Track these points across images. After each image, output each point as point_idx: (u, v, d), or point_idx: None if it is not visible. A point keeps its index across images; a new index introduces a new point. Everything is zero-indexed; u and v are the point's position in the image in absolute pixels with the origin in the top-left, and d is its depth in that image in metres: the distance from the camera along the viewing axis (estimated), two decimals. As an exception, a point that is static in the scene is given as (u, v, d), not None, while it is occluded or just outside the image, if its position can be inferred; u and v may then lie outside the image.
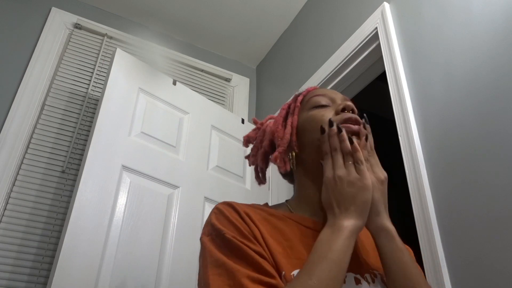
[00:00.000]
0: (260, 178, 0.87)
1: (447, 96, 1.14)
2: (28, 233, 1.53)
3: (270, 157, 0.83)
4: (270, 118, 0.88)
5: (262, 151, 0.83)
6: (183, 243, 1.53)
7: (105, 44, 2.06)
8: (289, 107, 0.83)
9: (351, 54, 1.62)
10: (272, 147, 0.82)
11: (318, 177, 0.69)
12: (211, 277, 0.57)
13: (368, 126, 0.72)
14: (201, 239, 0.65)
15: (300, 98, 0.82)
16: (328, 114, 0.73)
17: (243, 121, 2.07)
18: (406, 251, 0.63)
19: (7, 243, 1.48)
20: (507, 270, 0.87)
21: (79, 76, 1.92)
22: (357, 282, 0.63)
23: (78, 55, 1.97)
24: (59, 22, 2.01)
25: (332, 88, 1.76)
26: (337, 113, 0.72)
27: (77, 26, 2.04)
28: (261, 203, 0.77)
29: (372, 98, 2.66)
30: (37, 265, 1.49)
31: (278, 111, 0.86)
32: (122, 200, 1.43)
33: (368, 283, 0.64)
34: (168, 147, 1.68)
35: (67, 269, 1.21)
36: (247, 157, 0.90)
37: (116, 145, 1.49)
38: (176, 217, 1.56)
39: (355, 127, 0.70)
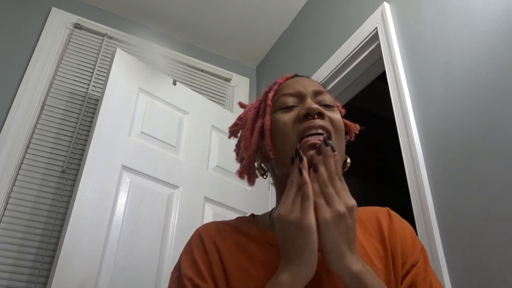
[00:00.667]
0: (250, 179, 0.79)
1: (447, 96, 1.14)
2: (28, 233, 1.53)
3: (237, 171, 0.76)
4: (252, 107, 0.78)
5: (242, 150, 0.75)
6: (183, 243, 1.51)
7: (105, 44, 2.06)
8: (260, 104, 0.73)
9: (351, 54, 1.62)
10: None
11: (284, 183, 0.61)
12: None
13: (330, 148, 0.59)
14: (172, 271, 0.67)
15: (270, 95, 0.72)
16: (289, 121, 0.65)
17: (243, 121, 2.07)
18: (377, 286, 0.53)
19: (7, 243, 1.48)
20: (507, 270, 0.87)
21: (79, 76, 1.92)
22: None
23: (78, 55, 1.97)
24: (59, 22, 2.01)
25: (332, 88, 1.76)
26: (299, 119, 0.65)
27: (77, 26, 2.04)
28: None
29: (372, 98, 2.66)
30: (37, 265, 1.49)
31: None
32: (122, 200, 1.43)
33: None
34: (168, 147, 1.68)
35: (67, 269, 1.21)
36: (235, 150, 0.84)
37: (116, 145, 1.49)
38: (176, 217, 1.56)
39: (315, 140, 0.61)
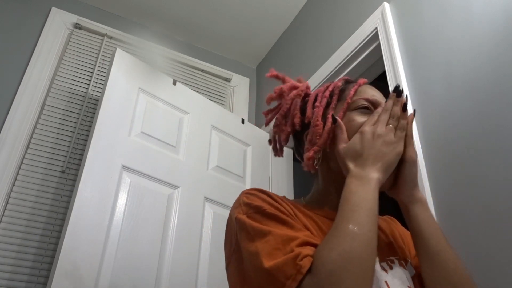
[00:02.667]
0: (277, 150, 0.86)
1: (447, 96, 1.14)
2: (28, 233, 1.53)
3: (300, 150, 0.80)
4: (293, 89, 0.86)
5: (287, 130, 0.80)
6: (183, 243, 1.53)
7: (105, 44, 2.06)
8: (331, 96, 0.77)
9: (351, 54, 1.62)
10: (300, 130, 0.78)
11: (342, 177, 0.66)
12: (258, 245, 0.57)
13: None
14: (236, 218, 0.66)
15: (352, 93, 0.75)
16: (359, 119, 0.72)
17: (243, 121, 2.07)
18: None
19: (7, 243, 1.48)
20: (507, 269, 0.87)
21: (79, 76, 1.92)
22: (401, 265, 0.66)
23: (78, 55, 1.97)
24: (59, 22, 2.01)
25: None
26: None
27: (77, 26, 2.04)
28: None
29: (372, 98, 2.66)
30: (37, 265, 1.49)
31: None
32: (122, 200, 1.43)
33: (386, 271, 0.64)
34: (168, 147, 1.68)
35: (67, 269, 1.21)
36: (265, 112, 0.87)
37: (116, 145, 1.49)
38: (176, 217, 1.56)
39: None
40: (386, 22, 1.44)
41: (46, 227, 1.56)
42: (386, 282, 0.62)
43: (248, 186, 1.90)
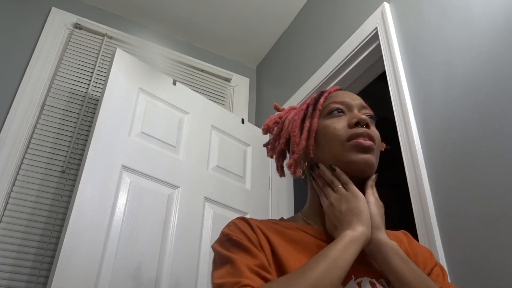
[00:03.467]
0: (279, 171, 0.89)
1: (447, 96, 1.14)
2: (28, 233, 1.53)
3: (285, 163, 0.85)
4: (292, 109, 0.89)
5: (278, 148, 0.85)
6: (183, 243, 1.53)
7: (105, 44, 2.06)
8: (307, 108, 0.82)
9: (351, 54, 1.62)
10: (288, 145, 0.83)
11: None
12: (218, 272, 0.62)
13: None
14: (212, 247, 0.69)
15: (321, 100, 0.80)
16: (340, 126, 0.74)
17: (243, 121, 2.07)
18: (413, 264, 0.64)
19: (7, 243, 1.48)
20: (507, 270, 0.87)
21: (79, 76, 1.92)
22: (373, 285, 0.65)
23: (78, 55, 1.97)
24: (59, 22, 2.01)
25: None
26: (350, 126, 0.73)
27: (77, 26, 2.04)
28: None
29: (372, 98, 2.66)
30: (37, 265, 1.49)
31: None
32: (122, 200, 1.43)
33: (383, 286, 0.65)
34: (168, 147, 1.68)
35: (67, 269, 1.21)
36: (265, 145, 0.92)
37: (116, 145, 1.49)
38: (176, 217, 1.56)
39: (367, 143, 0.71)
40: (386, 22, 1.44)
41: (46, 227, 1.56)
42: None
43: (248, 186, 1.90)
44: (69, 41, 1.99)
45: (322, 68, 1.80)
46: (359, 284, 0.64)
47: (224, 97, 2.35)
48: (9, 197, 1.55)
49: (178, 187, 1.62)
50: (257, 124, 2.29)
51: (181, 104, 1.81)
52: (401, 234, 0.82)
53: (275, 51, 2.43)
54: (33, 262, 1.49)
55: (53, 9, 2.03)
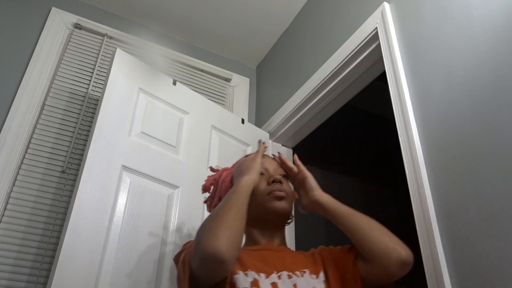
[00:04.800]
0: None
1: (447, 96, 1.14)
2: (28, 233, 1.53)
3: None
4: (225, 170, 1.19)
5: (214, 205, 1.15)
6: (183, 243, 1.52)
7: (105, 44, 2.06)
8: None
9: (351, 54, 1.62)
10: None
11: (259, 222, 1.03)
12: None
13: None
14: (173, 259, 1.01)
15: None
16: (262, 184, 1.04)
17: (243, 121, 2.07)
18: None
19: (7, 243, 1.48)
20: (507, 270, 0.87)
21: (79, 76, 1.92)
22: (290, 277, 0.89)
23: (78, 55, 1.97)
24: (59, 22, 2.01)
25: (332, 88, 1.77)
26: (268, 184, 1.04)
27: (77, 26, 2.04)
28: None
29: (372, 98, 2.66)
30: (37, 265, 1.49)
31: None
32: (122, 200, 1.43)
33: (298, 276, 0.89)
34: (168, 147, 1.68)
35: (67, 269, 1.21)
36: (205, 202, 1.22)
37: (116, 145, 1.49)
38: (176, 217, 1.56)
39: (281, 193, 1.02)
40: (386, 22, 1.44)
41: (46, 227, 1.56)
42: (295, 285, 0.87)
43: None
44: (69, 41, 1.99)
45: (322, 68, 1.80)
46: (279, 276, 0.88)
47: (224, 97, 2.35)
48: (9, 197, 1.55)
49: (178, 187, 1.62)
50: (257, 124, 2.29)
51: (181, 104, 1.81)
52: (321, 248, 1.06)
53: (275, 51, 2.43)
54: (33, 262, 1.49)
55: (53, 9, 2.03)
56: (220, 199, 1.11)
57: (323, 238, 2.45)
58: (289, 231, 2.02)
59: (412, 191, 1.15)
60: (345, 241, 0.98)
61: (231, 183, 1.11)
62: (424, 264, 1.05)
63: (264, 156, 1.15)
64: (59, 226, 1.56)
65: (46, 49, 1.90)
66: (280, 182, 1.04)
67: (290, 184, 1.11)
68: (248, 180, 0.98)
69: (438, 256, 1.01)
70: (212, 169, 1.25)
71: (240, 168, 1.06)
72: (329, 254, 0.98)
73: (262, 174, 1.06)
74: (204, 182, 1.21)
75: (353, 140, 2.92)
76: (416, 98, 1.24)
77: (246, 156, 1.15)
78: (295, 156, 1.13)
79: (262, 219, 1.02)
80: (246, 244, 1.05)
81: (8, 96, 1.72)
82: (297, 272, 0.91)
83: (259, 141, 1.02)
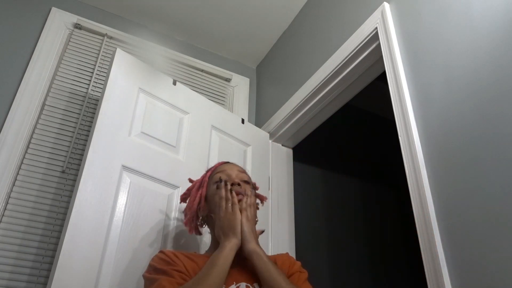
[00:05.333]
0: (195, 231, 1.31)
1: (447, 96, 1.14)
2: (28, 233, 1.53)
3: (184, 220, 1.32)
4: (197, 181, 1.30)
5: (189, 216, 1.27)
6: (183, 243, 1.53)
7: (105, 44, 2.06)
8: (202, 180, 1.28)
9: (351, 54, 1.62)
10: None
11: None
12: None
13: (252, 191, 1.19)
14: (143, 276, 1.05)
15: (208, 173, 1.28)
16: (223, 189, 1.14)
17: (243, 121, 2.07)
18: (272, 265, 0.99)
19: (7, 243, 1.48)
20: (507, 270, 0.87)
21: (79, 76, 1.92)
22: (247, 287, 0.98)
23: (78, 55, 1.97)
24: (59, 22, 2.01)
25: (332, 88, 1.77)
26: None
27: (77, 26, 2.04)
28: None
29: (372, 98, 2.66)
30: (37, 265, 1.49)
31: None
32: (122, 200, 1.43)
33: None
34: (168, 147, 1.68)
35: (67, 269, 1.21)
36: (183, 211, 1.34)
37: (116, 145, 1.49)
38: (176, 217, 1.56)
39: (238, 196, 1.13)
40: (386, 22, 1.44)
41: (46, 227, 1.56)
42: None
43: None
44: (69, 41, 1.99)
45: (322, 68, 1.80)
46: (238, 287, 0.97)
47: (224, 97, 2.35)
48: (9, 197, 1.55)
49: (178, 187, 1.62)
50: (257, 124, 2.29)
51: (181, 104, 1.81)
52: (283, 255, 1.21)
53: (275, 51, 2.43)
54: (33, 262, 1.49)
55: (53, 9, 2.03)
56: (193, 201, 1.26)
57: (325, 239, 2.45)
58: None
59: (412, 191, 1.15)
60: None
61: (196, 191, 1.26)
62: (424, 264, 1.05)
63: (225, 164, 1.28)
64: (59, 226, 1.56)
65: (46, 49, 1.90)
66: (239, 184, 1.17)
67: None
68: (233, 247, 1.03)
69: (438, 256, 1.01)
70: (190, 180, 1.36)
71: (221, 223, 1.09)
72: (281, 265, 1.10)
73: (221, 179, 1.17)
74: (181, 194, 1.38)
75: (353, 140, 2.92)
76: (416, 98, 1.24)
77: (218, 180, 1.19)
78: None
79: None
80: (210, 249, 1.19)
81: (8, 96, 1.72)
82: (256, 284, 1.02)
83: (219, 181, 1.16)
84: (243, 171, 1.27)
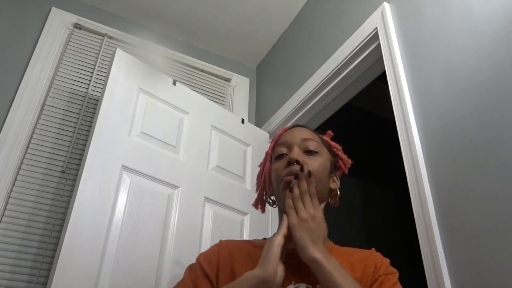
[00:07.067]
0: (261, 206, 1.06)
1: (447, 96, 1.14)
2: (28, 233, 1.53)
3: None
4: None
5: (258, 192, 1.04)
6: (183, 243, 1.53)
7: (105, 44, 2.06)
8: (266, 154, 1.03)
9: (351, 54, 1.62)
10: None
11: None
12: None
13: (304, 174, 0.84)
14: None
15: (271, 145, 0.99)
16: (281, 167, 0.89)
17: (243, 121, 2.07)
18: (338, 274, 0.72)
19: (7, 243, 1.48)
20: (507, 270, 0.87)
21: (79, 76, 1.92)
22: None
23: (78, 55, 1.97)
24: (59, 22, 2.01)
25: (332, 88, 1.77)
26: (285, 166, 0.88)
27: (77, 26, 2.03)
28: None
29: (372, 98, 2.66)
30: (37, 265, 1.49)
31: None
32: (122, 200, 1.43)
33: None
34: (168, 147, 1.68)
35: (67, 269, 1.21)
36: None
37: (116, 145, 1.49)
38: (176, 217, 1.56)
39: (288, 178, 0.85)
40: (386, 22, 1.44)
41: (46, 227, 1.56)
42: None
43: (248, 186, 1.90)
44: (69, 41, 1.99)
45: (322, 68, 1.80)
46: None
47: (224, 97, 2.35)
48: (9, 197, 1.55)
49: (178, 187, 1.62)
50: (257, 124, 2.28)
51: (181, 104, 1.81)
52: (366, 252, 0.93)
53: (275, 51, 2.43)
54: (33, 262, 1.49)
55: (53, 9, 2.03)
56: (260, 178, 1.03)
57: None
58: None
59: (412, 191, 1.15)
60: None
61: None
62: (424, 264, 1.05)
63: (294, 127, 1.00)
64: (59, 226, 1.56)
65: (46, 49, 1.90)
66: (298, 162, 0.86)
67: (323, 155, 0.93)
68: (255, 277, 0.74)
69: (438, 256, 1.01)
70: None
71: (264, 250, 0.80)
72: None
73: (281, 153, 0.92)
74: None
75: (353, 140, 2.91)
76: (416, 98, 1.24)
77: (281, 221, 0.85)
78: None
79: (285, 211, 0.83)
80: None
81: (8, 96, 1.72)
82: (318, 286, 0.78)
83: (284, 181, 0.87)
84: (308, 138, 0.93)
